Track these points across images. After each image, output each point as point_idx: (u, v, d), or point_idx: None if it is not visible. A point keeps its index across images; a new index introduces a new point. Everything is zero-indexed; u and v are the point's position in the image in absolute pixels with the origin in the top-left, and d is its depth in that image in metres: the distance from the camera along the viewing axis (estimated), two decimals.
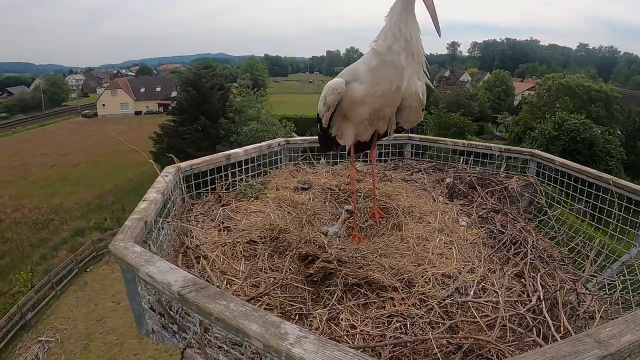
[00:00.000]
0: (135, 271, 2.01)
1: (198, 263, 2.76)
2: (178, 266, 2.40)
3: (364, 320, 2.25)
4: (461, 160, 5.04)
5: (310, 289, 2.46)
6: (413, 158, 5.23)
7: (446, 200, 4.16)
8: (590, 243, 3.78)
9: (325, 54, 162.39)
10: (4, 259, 24.19)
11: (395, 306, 2.36)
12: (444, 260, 2.88)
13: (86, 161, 40.47)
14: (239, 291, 2.48)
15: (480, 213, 3.92)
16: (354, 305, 2.34)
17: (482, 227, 3.63)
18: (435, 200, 4.04)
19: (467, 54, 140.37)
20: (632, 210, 3.80)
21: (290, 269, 2.62)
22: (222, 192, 3.91)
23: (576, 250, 3.77)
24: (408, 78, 2.75)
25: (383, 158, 5.18)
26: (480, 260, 3.03)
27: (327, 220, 3.50)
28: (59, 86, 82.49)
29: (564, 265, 3.52)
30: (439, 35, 2.68)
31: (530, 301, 2.57)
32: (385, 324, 2.25)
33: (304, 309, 2.33)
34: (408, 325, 2.24)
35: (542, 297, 2.58)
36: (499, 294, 2.63)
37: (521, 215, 4.17)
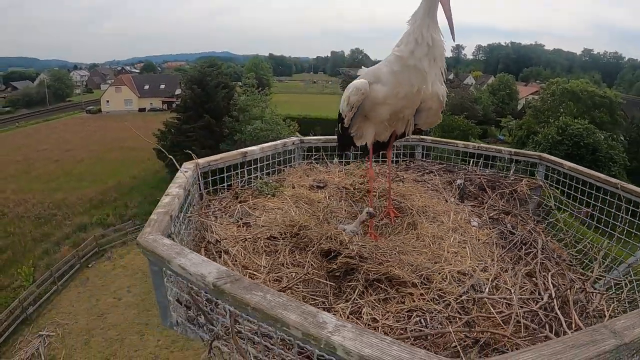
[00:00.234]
0: (167, 263, 2.06)
1: (220, 257, 2.83)
2: None
3: (385, 315, 2.33)
4: (471, 162, 5.11)
5: (332, 283, 2.54)
6: (424, 159, 5.32)
7: (457, 201, 4.24)
8: (598, 245, 3.85)
9: (329, 55, 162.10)
10: (6, 253, 24.23)
11: (414, 301, 2.44)
12: (458, 259, 2.96)
13: (90, 157, 40.52)
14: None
15: (491, 214, 3.99)
16: (374, 300, 2.42)
17: (493, 227, 3.70)
18: (447, 201, 4.11)
19: (471, 57, 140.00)
20: (638, 214, 3.88)
21: (312, 265, 2.69)
22: (239, 188, 3.98)
23: (583, 252, 3.84)
24: (430, 81, 2.84)
25: (395, 159, 5.24)
26: (493, 260, 3.12)
27: (342, 218, 3.58)
28: (63, 82, 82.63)
29: (572, 266, 3.59)
30: (453, 40, 2.80)
31: (542, 299, 2.65)
32: (406, 318, 2.33)
33: (326, 303, 2.40)
34: (428, 320, 2.32)
35: (553, 295, 2.66)
36: (512, 291, 2.70)
37: (530, 217, 4.24)
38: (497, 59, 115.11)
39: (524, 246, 3.44)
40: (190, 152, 3.94)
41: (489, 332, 2.26)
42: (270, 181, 4.13)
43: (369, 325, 2.26)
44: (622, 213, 3.95)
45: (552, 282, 2.87)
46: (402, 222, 3.49)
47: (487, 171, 4.99)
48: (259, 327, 1.80)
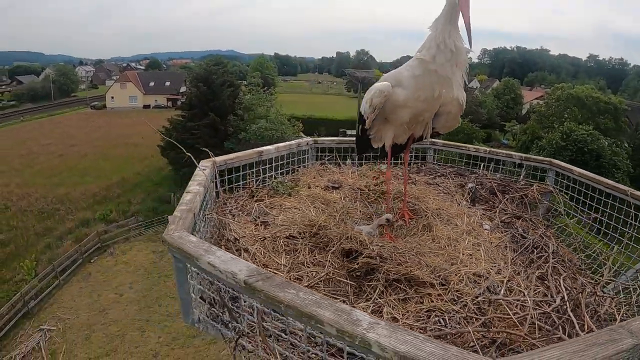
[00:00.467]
0: (195, 260, 2.08)
1: (239, 256, 2.86)
2: None
3: (405, 314, 2.38)
4: (481, 166, 5.15)
5: (352, 283, 2.58)
6: (435, 162, 5.37)
7: (469, 204, 4.29)
8: (606, 251, 3.90)
9: (334, 55, 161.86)
10: (9, 247, 24.29)
11: (432, 301, 2.48)
12: (473, 261, 3.01)
13: (94, 152, 40.57)
14: None
15: (503, 218, 4.04)
16: (394, 299, 2.47)
17: (505, 231, 3.75)
18: (459, 204, 4.16)
19: (476, 60, 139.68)
20: None
21: (332, 264, 2.73)
22: (255, 187, 4.02)
23: (592, 257, 3.89)
24: (451, 86, 2.91)
25: (403, 161, 5.27)
26: (506, 263, 3.16)
27: (358, 219, 3.63)
28: (68, 77, 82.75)
29: (582, 270, 3.63)
30: (470, 46, 2.86)
31: (555, 301, 2.69)
32: (425, 318, 2.38)
33: (347, 302, 2.43)
34: (447, 320, 2.36)
35: (565, 298, 2.71)
36: (525, 293, 2.75)
37: (540, 221, 4.29)
38: (503, 62, 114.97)
39: (535, 250, 3.49)
40: (207, 150, 3.99)
41: (506, 333, 2.31)
42: (286, 181, 4.17)
43: None
44: (631, 219, 4.00)
45: (564, 286, 2.92)
46: (417, 224, 3.54)
47: (497, 175, 5.03)
48: (287, 325, 1.84)
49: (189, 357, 15.83)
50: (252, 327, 2.11)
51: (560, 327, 2.48)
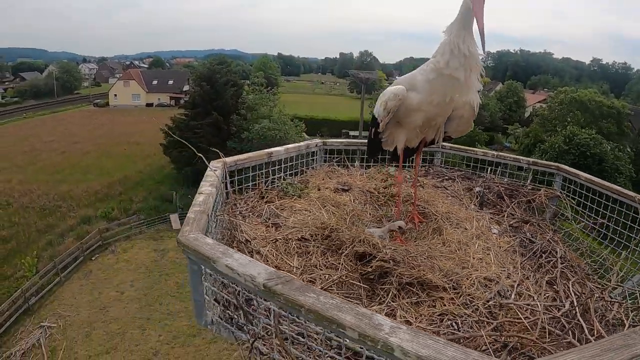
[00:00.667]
0: (212, 263, 2.07)
1: (251, 257, 2.87)
2: None
3: (418, 318, 2.39)
4: (488, 170, 5.16)
5: (366, 286, 2.59)
6: (442, 165, 5.38)
7: (477, 208, 4.30)
8: (613, 256, 3.92)
9: (338, 56, 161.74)
10: (10, 243, 24.34)
11: (444, 305, 2.50)
12: (484, 265, 3.03)
13: (96, 150, 40.61)
14: None
15: (511, 222, 4.05)
16: (407, 303, 2.47)
17: (513, 236, 3.76)
18: (467, 208, 4.17)
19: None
20: None
21: (345, 267, 2.74)
22: (264, 189, 4.02)
23: (598, 262, 3.91)
24: (464, 91, 2.93)
25: (410, 164, 5.28)
26: (515, 267, 3.18)
27: (368, 222, 3.64)
28: (71, 74, 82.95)
29: (589, 275, 3.65)
30: (483, 52, 2.87)
31: (564, 306, 2.71)
32: (438, 322, 2.39)
33: (360, 305, 2.44)
34: (459, 324, 2.38)
35: (575, 303, 2.73)
36: (535, 298, 2.77)
37: (548, 226, 4.30)
38: (506, 65, 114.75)
39: (543, 254, 3.50)
40: (217, 150, 4.01)
41: (518, 337, 2.33)
42: (295, 182, 4.18)
43: None
44: (638, 225, 4.01)
45: (573, 291, 2.94)
46: (427, 228, 3.55)
47: (505, 179, 5.04)
48: (305, 328, 1.85)
49: (189, 356, 15.84)
50: (267, 329, 2.11)
51: (570, 331, 2.49)
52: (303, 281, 2.64)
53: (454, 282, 2.67)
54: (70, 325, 17.32)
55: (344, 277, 2.60)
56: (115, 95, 66.15)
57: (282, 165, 4.39)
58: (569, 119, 34.64)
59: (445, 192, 4.54)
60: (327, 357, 1.89)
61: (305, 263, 2.81)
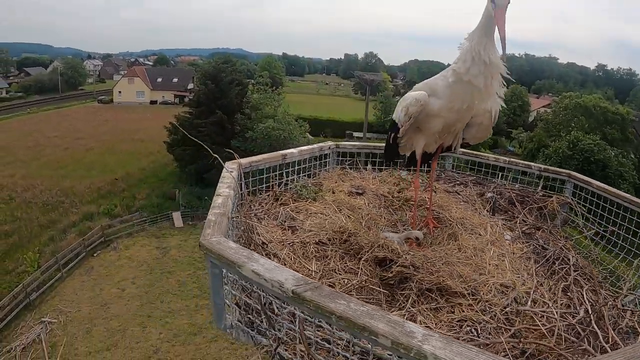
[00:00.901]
0: (237, 268, 2.04)
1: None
2: None
3: (437, 324, 2.40)
4: (499, 176, 5.16)
5: (385, 291, 2.60)
6: (454, 170, 5.38)
7: (489, 214, 4.30)
8: (623, 264, 3.93)
9: (342, 57, 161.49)
10: (12, 237, 24.38)
11: (463, 311, 2.50)
12: (499, 271, 3.03)
13: (100, 147, 40.68)
14: None
15: (523, 229, 4.05)
16: (426, 308, 2.48)
17: (526, 242, 3.76)
18: (480, 214, 4.17)
19: None
20: None
21: (364, 272, 2.74)
22: (278, 191, 4.02)
23: (609, 269, 3.91)
24: (484, 98, 2.94)
25: (426, 169, 5.28)
26: (529, 274, 3.18)
27: (383, 226, 3.64)
28: (76, 70, 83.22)
29: (601, 282, 3.65)
30: (503, 55, 2.91)
31: (579, 313, 2.73)
32: (457, 328, 2.40)
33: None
34: (478, 330, 2.39)
35: (589, 310, 2.74)
36: (550, 305, 2.78)
37: (560, 233, 4.30)
38: (511, 69, 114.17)
39: (556, 261, 3.51)
40: (231, 151, 4.01)
41: (536, 343, 2.34)
42: (309, 184, 4.18)
43: None
44: None
45: (587, 298, 2.95)
46: (442, 233, 3.55)
47: (516, 185, 5.04)
48: (331, 334, 1.85)
49: (190, 354, 15.85)
50: (289, 334, 2.10)
51: (585, 339, 2.50)
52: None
53: (472, 288, 2.68)
54: (70, 321, 17.38)
55: (364, 282, 2.60)
56: (120, 92, 66.32)
57: (295, 168, 4.38)
58: (573, 124, 34.54)
59: (458, 197, 4.54)
60: None
61: (323, 267, 2.80)
